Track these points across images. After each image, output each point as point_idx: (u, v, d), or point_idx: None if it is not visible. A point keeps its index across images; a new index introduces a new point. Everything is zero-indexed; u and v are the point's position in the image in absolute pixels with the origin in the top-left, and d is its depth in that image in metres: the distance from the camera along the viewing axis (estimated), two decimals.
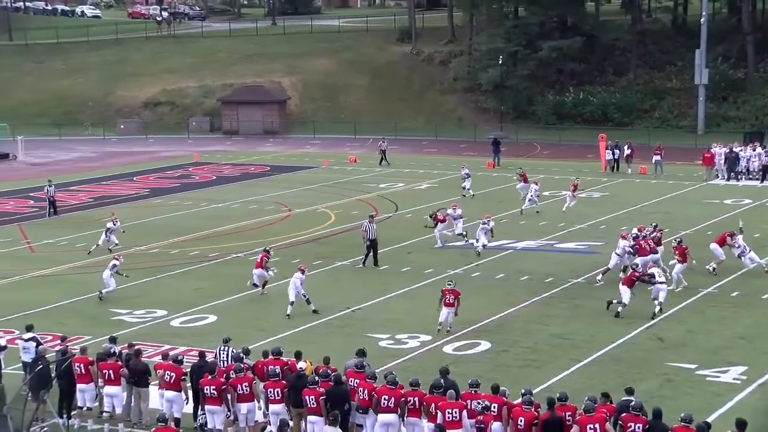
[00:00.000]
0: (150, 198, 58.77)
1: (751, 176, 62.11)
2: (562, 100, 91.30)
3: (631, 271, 33.85)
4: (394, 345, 29.88)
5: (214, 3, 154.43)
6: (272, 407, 22.46)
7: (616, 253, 37.18)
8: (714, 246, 38.24)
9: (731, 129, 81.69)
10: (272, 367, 22.97)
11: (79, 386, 24.28)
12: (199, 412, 23.32)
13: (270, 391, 22.45)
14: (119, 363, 24.29)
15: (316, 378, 22.20)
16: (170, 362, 23.98)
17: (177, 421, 23.21)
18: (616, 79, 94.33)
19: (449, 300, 30.69)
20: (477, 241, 41.88)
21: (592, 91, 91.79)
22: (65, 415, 24.03)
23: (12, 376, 25.30)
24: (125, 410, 24.32)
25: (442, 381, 21.64)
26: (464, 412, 20.65)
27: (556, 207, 52.57)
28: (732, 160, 62.30)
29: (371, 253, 40.19)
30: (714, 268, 37.64)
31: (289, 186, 62.13)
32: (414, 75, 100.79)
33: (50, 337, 29.48)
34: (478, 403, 20.88)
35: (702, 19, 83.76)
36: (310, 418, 21.83)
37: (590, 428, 19.81)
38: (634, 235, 37.88)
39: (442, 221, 43.90)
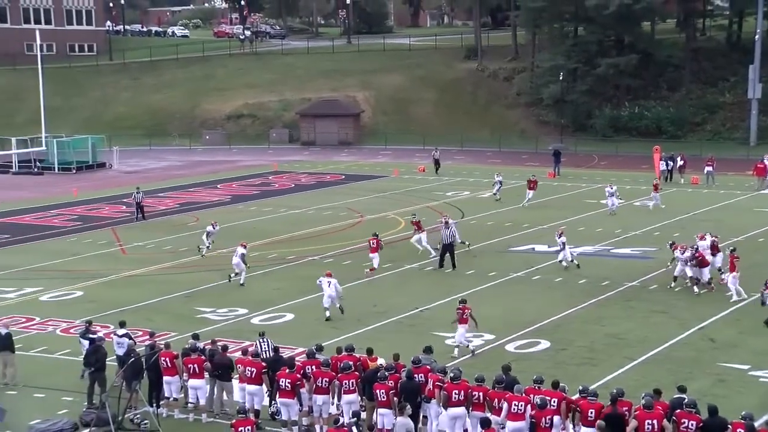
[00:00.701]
0: (232, 204, 59.20)
1: None
2: (618, 114, 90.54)
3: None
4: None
5: (293, 22, 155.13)
6: (346, 397, 22.56)
7: (680, 261, 36.52)
8: None
9: None
10: (346, 361, 23.12)
11: (165, 378, 24.52)
12: (273, 402, 23.54)
13: (345, 383, 22.54)
14: (203, 358, 24.49)
15: (386, 373, 22.27)
16: (249, 357, 24.13)
17: (257, 413, 23.37)
18: (669, 94, 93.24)
19: (465, 316, 28.58)
20: (560, 260, 39.96)
21: (647, 105, 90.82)
22: (155, 404, 24.33)
23: (110, 367, 25.61)
24: (208, 402, 24.52)
25: (504, 377, 21.62)
26: (528, 406, 20.59)
27: (611, 215, 52.20)
28: None
29: (447, 255, 39.86)
30: None
31: (362, 194, 62.24)
32: (479, 90, 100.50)
33: (140, 333, 29.83)
34: (540, 398, 20.81)
35: (756, 36, 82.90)
36: (381, 410, 21.91)
37: (648, 423, 19.60)
38: (695, 246, 36.92)
39: (419, 227, 42.86)
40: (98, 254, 45.09)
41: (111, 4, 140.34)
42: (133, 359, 24.42)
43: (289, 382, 22.76)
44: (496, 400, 20.99)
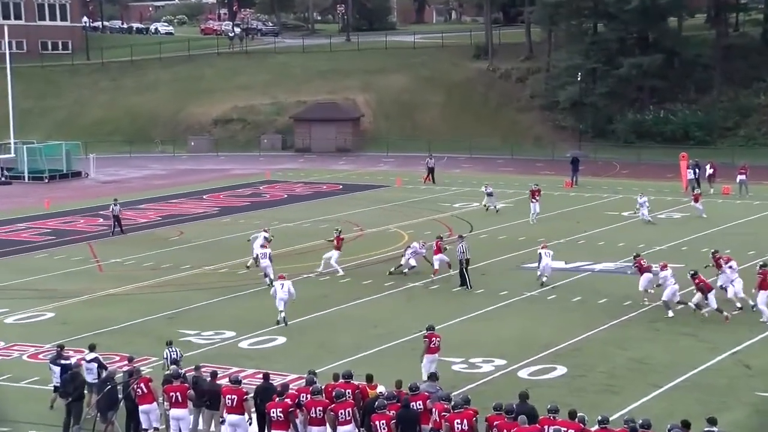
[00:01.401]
0: (219, 216, 59.09)
1: None
2: (641, 119, 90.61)
3: None
4: (468, 369, 29.70)
5: (287, 19, 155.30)
6: (341, 429, 22.28)
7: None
8: None
9: None
10: (338, 389, 22.85)
11: (141, 407, 24.07)
12: None
13: (341, 413, 22.31)
14: (186, 385, 24.24)
15: (385, 402, 22.09)
16: (230, 384, 23.68)
17: None
18: (698, 96, 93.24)
19: (435, 345, 27.67)
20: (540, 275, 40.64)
21: (673, 109, 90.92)
22: None
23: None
24: None
25: (514, 405, 21.41)
26: None
27: (635, 227, 52.09)
28: None
29: (464, 273, 40.03)
30: None
31: (362, 205, 62.18)
32: (490, 92, 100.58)
33: (117, 358, 29.65)
34: (555, 430, 20.61)
35: None
36: None
37: None
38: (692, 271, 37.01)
39: (338, 248, 43.06)
40: (72, 271, 44.94)
41: None
42: (108, 387, 24.20)
43: (281, 412, 22.48)
44: (504, 430, 20.79)
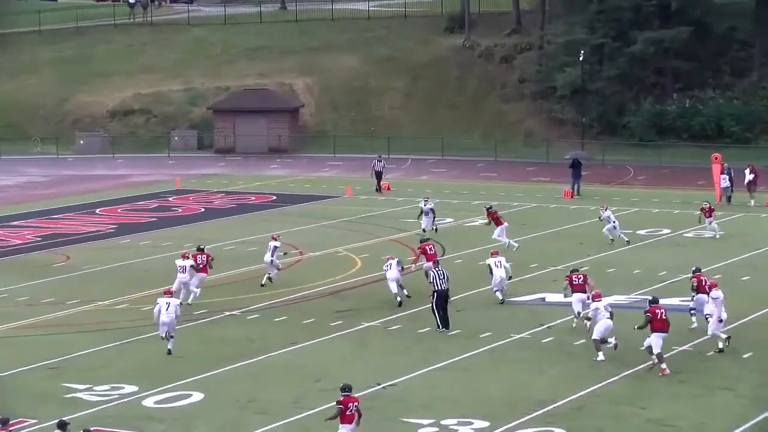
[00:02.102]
0: (116, 237, 58.88)
1: None
2: (662, 110, 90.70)
3: None
4: None
5: None
6: None
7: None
8: None
9: None
10: None
11: None
12: None
13: None
14: None
15: None
16: None
17: None
18: (734, 80, 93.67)
19: (350, 412, 27.23)
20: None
21: (703, 97, 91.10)
22: None
23: None
24: None
25: None
26: None
27: (655, 248, 52.35)
28: None
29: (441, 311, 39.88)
30: None
31: (302, 222, 62.14)
32: (468, 76, 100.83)
33: None
34: None
35: None
36: None
37: None
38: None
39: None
40: None
41: None
42: None
43: None
44: None
